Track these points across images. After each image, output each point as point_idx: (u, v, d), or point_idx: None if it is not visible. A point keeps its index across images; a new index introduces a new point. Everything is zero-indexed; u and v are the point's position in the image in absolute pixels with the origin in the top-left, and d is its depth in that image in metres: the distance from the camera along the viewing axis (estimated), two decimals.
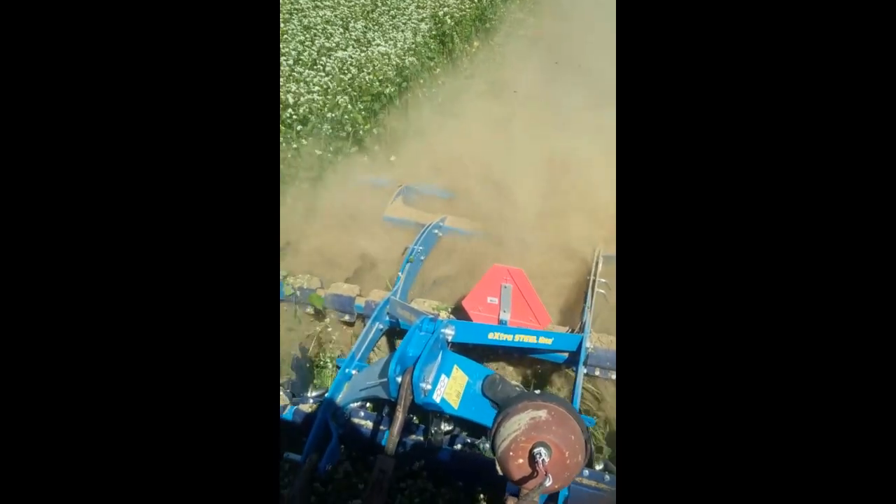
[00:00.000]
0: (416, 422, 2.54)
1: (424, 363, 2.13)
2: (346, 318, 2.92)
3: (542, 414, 1.12)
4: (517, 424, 1.14)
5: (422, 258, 3.03)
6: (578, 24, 5.29)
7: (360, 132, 4.00)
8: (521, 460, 1.14)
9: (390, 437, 2.09)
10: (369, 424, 2.45)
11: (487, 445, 2.37)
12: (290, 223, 3.07)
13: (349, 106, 3.99)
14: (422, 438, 2.44)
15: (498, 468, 1.19)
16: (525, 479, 1.15)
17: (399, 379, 2.13)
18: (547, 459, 1.10)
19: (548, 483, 1.09)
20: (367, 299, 2.83)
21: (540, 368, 2.77)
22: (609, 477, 1.98)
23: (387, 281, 3.01)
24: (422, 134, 3.87)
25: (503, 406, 1.18)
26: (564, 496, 1.90)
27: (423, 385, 2.10)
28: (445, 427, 2.49)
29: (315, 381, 2.84)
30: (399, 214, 3.36)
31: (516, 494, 1.17)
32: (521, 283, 2.58)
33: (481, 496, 2.32)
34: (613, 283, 2.73)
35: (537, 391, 1.42)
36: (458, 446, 2.38)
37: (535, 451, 1.11)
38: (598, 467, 2.08)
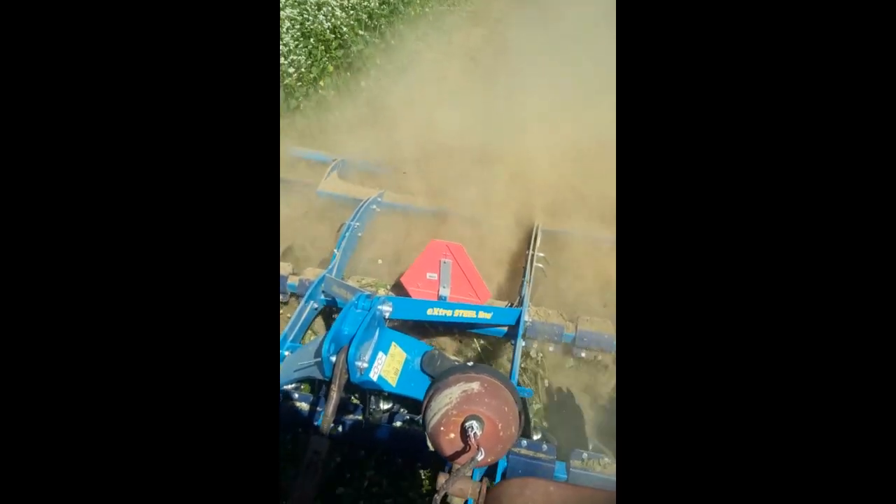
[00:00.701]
0: (355, 401, 2.47)
1: (360, 341, 2.06)
2: (280, 298, 2.79)
3: (475, 386, 1.08)
4: (448, 398, 1.09)
5: (359, 234, 2.93)
6: None
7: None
8: (452, 435, 1.10)
9: (325, 418, 2.02)
10: (305, 406, 2.37)
11: None
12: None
13: None
14: (360, 418, 2.38)
15: (429, 444, 1.15)
16: (457, 454, 1.11)
17: (333, 358, 2.05)
18: (479, 432, 1.07)
19: (480, 457, 1.06)
20: (300, 277, 2.72)
21: (480, 343, 2.76)
22: (547, 447, 1.99)
23: (321, 258, 2.89)
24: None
25: (435, 380, 1.13)
26: (504, 467, 1.89)
27: (358, 363, 2.04)
28: (384, 405, 2.44)
29: None
30: (334, 189, 3.24)
31: (449, 470, 1.13)
32: (460, 258, 2.54)
33: (421, 472, 2.30)
34: (551, 257, 2.74)
35: (470, 363, 1.38)
36: (398, 423, 2.34)
37: (467, 424, 1.07)
38: (536, 437, 2.09)
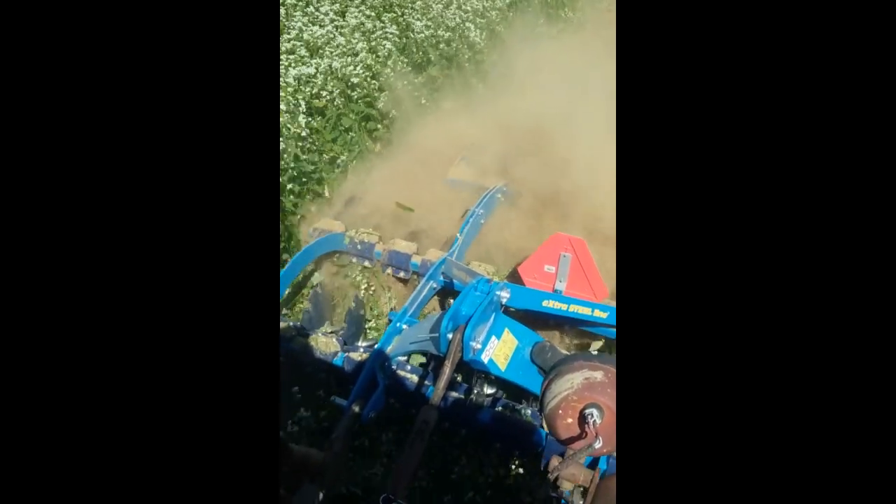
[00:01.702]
0: (460, 381, 2.56)
1: (476, 323, 2.14)
2: (402, 274, 2.95)
3: (598, 375, 1.09)
4: (570, 383, 1.12)
5: (481, 221, 3.01)
6: None
7: None
8: (570, 420, 1.12)
9: (436, 390, 2.12)
10: (414, 378, 2.50)
11: (528, 412, 2.37)
12: None
13: None
14: (463, 397, 2.46)
15: (544, 425, 1.18)
16: (572, 440, 1.14)
17: (450, 335, 2.14)
18: (599, 421, 1.08)
19: (597, 445, 1.07)
20: (423, 258, 2.85)
21: (590, 342, 2.73)
22: None
23: (444, 241, 3.01)
24: None
25: (557, 364, 1.16)
26: (603, 470, 1.87)
27: (473, 344, 2.11)
28: (489, 390, 2.50)
29: (367, 334, 2.91)
30: (462, 176, 3.34)
31: (562, 454, 1.16)
32: (581, 254, 2.52)
33: (517, 461, 2.33)
34: None
35: (594, 351, 1.37)
36: (499, 409, 2.39)
37: (587, 411, 1.09)
38: None
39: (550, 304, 2.39)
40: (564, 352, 2.25)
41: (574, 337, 2.70)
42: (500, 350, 2.25)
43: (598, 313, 2.40)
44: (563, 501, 1.20)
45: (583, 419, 1.10)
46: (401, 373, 2.53)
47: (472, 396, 2.47)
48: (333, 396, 2.44)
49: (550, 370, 1.17)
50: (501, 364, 2.22)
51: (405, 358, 2.62)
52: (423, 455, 2.04)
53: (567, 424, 1.12)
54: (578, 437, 1.12)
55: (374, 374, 2.44)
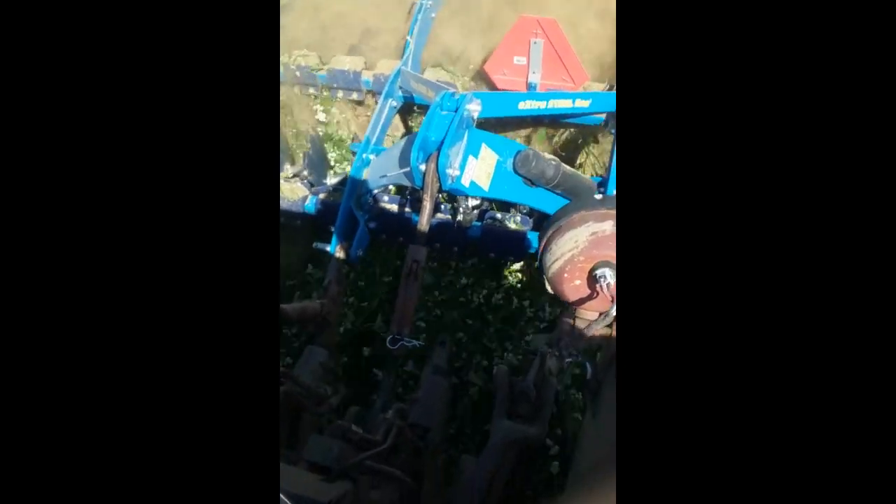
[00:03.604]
0: (443, 200, 2.44)
1: (449, 146, 1.91)
2: (355, 96, 2.60)
3: (607, 227, 0.94)
4: (573, 242, 0.97)
5: (432, 15, 2.53)
6: None
7: None
8: (578, 281, 1.00)
9: (420, 227, 2.01)
10: (395, 207, 2.38)
11: (518, 218, 2.30)
12: None
13: None
14: (449, 217, 2.37)
15: (548, 288, 1.07)
16: (582, 301, 1.03)
17: (422, 167, 1.94)
18: (612, 282, 0.96)
19: (614, 312, 0.96)
20: (374, 72, 2.48)
21: (571, 132, 2.53)
22: None
23: (395, 47, 2.58)
24: None
25: (556, 218, 1.00)
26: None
27: (449, 171, 1.93)
28: (473, 202, 2.40)
29: (333, 170, 2.68)
30: None
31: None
32: (553, 36, 2.17)
33: (514, 265, 2.35)
34: None
35: (598, 194, 1.15)
36: (488, 220, 2.32)
37: (598, 272, 0.96)
38: None
39: (527, 105, 2.13)
40: (550, 157, 2.05)
41: (558, 130, 2.50)
42: (480, 169, 2.06)
43: (579, 103, 2.16)
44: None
45: (594, 281, 0.98)
46: (380, 205, 2.40)
47: (459, 216, 2.37)
48: (315, 243, 2.33)
49: (547, 226, 1.01)
50: (484, 184, 2.06)
51: (381, 188, 2.45)
52: (419, 292, 2.03)
53: (575, 287, 1.00)
54: (589, 298, 1.01)
55: (351, 213, 2.31)
